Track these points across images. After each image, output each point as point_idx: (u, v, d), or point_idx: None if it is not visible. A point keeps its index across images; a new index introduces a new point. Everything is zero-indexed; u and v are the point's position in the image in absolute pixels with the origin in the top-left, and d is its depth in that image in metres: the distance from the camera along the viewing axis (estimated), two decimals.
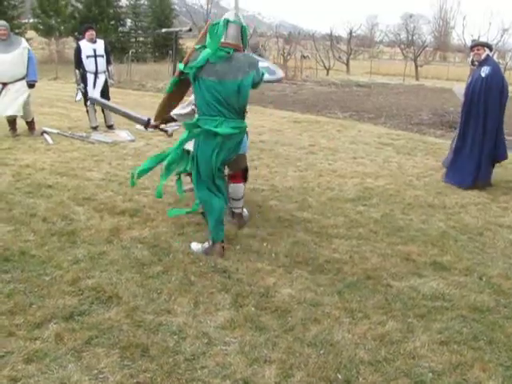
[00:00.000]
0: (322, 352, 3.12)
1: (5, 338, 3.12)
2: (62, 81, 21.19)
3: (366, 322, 3.47)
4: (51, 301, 3.57)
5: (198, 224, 5.20)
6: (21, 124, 9.39)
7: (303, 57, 34.01)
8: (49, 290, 3.72)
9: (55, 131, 9.52)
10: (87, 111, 10.07)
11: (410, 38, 45.20)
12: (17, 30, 30.03)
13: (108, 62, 10.07)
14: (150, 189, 6.24)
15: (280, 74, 5.40)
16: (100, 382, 2.79)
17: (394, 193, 6.56)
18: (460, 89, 7.32)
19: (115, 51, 27.76)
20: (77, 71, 9.95)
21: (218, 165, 4.43)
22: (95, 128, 9.96)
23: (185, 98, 5.28)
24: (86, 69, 9.79)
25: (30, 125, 9.42)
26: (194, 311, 3.54)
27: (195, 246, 4.61)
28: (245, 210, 5.40)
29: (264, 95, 19.08)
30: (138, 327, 3.30)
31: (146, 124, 5.49)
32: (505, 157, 7.01)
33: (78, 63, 9.86)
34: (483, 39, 32.57)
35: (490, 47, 7.16)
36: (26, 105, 9.11)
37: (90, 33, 9.92)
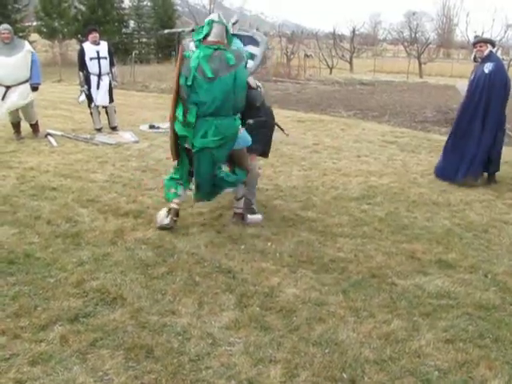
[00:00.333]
0: (327, 351, 3.11)
1: (10, 341, 3.12)
2: (66, 83, 21.20)
3: (371, 321, 3.46)
4: (56, 303, 3.57)
5: (202, 225, 5.21)
6: (25, 127, 9.42)
7: (306, 56, 34.00)
8: (53, 292, 3.73)
9: (59, 133, 9.54)
10: (91, 113, 10.08)
11: (413, 35, 45.05)
12: (20, 34, 30.13)
13: (111, 64, 10.08)
14: (154, 190, 6.25)
15: (264, 39, 5.37)
16: (105, 383, 2.79)
17: (399, 191, 6.55)
18: (463, 85, 7.30)
19: (119, 53, 27.85)
20: (80, 73, 9.98)
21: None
22: (99, 130, 9.98)
23: None
24: (90, 71, 9.81)
25: (34, 127, 9.44)
26: (198, 312, 3.53)
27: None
28: (249, 216, 5.32)
29: (267, 95, 19.08)
30: (143, 328, 3.30)
31: None
32: (497, 169, 6.98)
33: (82, 65, 9.89)
34: (487, 35, 32.44)
35: (492, 43, 7.13)
36: (29, 107, 9.13)
37: (94, 35, 9.94)
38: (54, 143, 8.81)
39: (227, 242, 4.79)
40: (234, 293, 3.81)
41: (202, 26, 4.66)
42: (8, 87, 8.83)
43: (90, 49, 9.87)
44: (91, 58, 9.81)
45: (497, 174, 7.05)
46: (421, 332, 3.36)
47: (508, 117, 7.22)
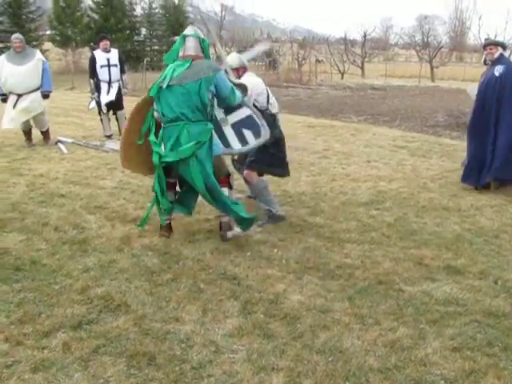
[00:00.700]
0: (330, 359, 3.07)
1: (13, 348, 3.12)
2: (78, 91, 21.33)
3: (376, 329, 3.41)
4: (60, 310, 3.57)
5: (208, 231, 5.19)
6: (36, 134, 9.49)
7: (318, 61, 33.99)
8: (58, 298, 3.73)
9: (70, 140, 9.60)
10: (101, 120, 10.12)
11: (425, 39, 44.86)
12: (34, 42, 30.50)
13: (122, 71, 10.14)
14: None
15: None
16: None
17: (408, 196, 6.49)
18: (474, 89, 7.21)
19: (130, 60, 28.04)
20: (91, 80, 10.05)
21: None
22: (109, 136, 10.02)
23: None
24: (100, 78, 9.87)
25: (45, 134, 9.51)
26: (202, 319, 3.51)
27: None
28: (236, 229, 5.08)
29: (278, 100, 19.05)
30: (146, 335, 3.29)
31: None
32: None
33: (92, 72, 9.96)
34: (500, 38, 32.16)
35: (503, 46, 7.05)
36: (40, 115, 9.20)
37: (104, 43, 10.02)
38: (65, 150, 8.86)
39: (233, 248, 4.77)
40: (239, 300, 3.78)
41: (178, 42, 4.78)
42: (19, 95, 8.92)
43: (100, 56, 9.94)
44: (102, 66, 9.87)
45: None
46: (427, 340, 3.31)
47: None
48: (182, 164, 4.67)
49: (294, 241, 4.97)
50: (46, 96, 9.14)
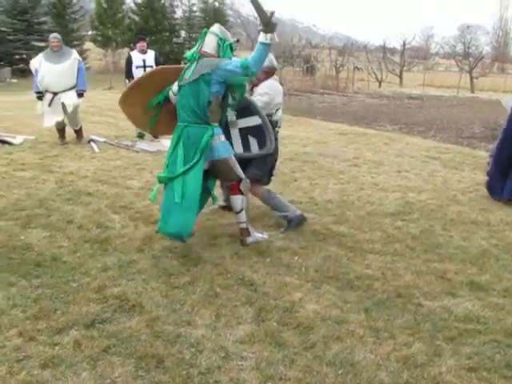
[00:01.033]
0: (340, 372, 3.01)
1: (26, 343, 3.16)
2: (116, 90, 21.60)
3: (390, 343, 3.33)
4: (75, 307, 3.60)
5: (230, 236, 5.17)
6: (69, 132, 9.65)
7: (356, 68, 33.76)
8: (74, 296, 3.76)
9: (102, 140, 9.73)
10: None
11: (466, 49, 44.13)
12: (76, 42, 31.14)
13: None
14: None
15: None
16: None
17: (436, 208, 6.36)
18: (509, 100, 7.05)
19: (169, 62, 28.30)
20: (126, 80, 10.16)
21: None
22: (141, 137, 10.11)
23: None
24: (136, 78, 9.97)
25: (78, 133, 9.67)
26: (214, 324, 3.49)
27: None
28: (256, 234, 5.01)
29: (313, 107, 19.03)
30: (157, 338, 3.28)
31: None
32: None
33: (128, 73, 10.09)
34: None
35: None
36: (74, 114, 9.35)
37: (141, 44, 10.15)
38: (96, 149, 8.98)
39: (253, 254, 4.74)
40: (254, 306, 3.75)
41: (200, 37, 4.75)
42: (55, 93, 9.10)
43: (136, 57, 10.07)
44: (137, 66, 9.99)
45: None
46: (442, 357, 3.21)
47: None
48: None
49: (315, 249, 4.92)
50: (80, 95, 9.30)
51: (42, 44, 27.89)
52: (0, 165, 7.67)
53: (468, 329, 3.56)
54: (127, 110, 5.29)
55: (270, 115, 5.26)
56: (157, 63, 10.18)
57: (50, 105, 9.14)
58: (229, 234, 5.22)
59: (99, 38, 34.49)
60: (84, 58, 31.94)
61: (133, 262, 4.44)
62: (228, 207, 5.64)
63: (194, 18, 39.26)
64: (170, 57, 32.43)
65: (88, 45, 33.89)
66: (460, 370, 3.09)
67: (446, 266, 4.62)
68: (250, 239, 4.93)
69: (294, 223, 5.36)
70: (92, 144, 9.30)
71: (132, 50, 12.73)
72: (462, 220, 5.95)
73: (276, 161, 5.68)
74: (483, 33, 65.21)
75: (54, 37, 9.22)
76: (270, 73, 5.38)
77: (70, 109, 9.11)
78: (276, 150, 5.45)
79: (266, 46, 4.39)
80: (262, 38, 4.40)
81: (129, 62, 10.18)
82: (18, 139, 9.46)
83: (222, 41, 4.65)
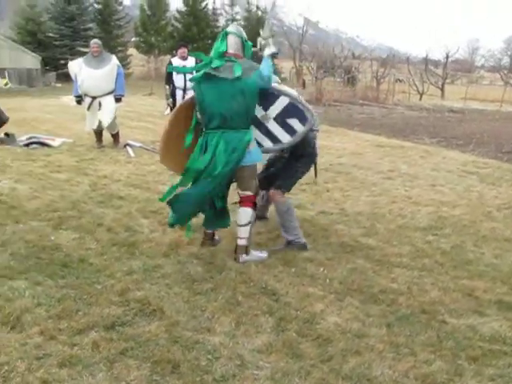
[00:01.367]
0: None
1: (46, 341, 3.21)
2: (157, 96, 21.97)
3: (410, 359, 3.26)
4: (97, 309, 3.64)
5: (257, 244, 5.16)
6: (107, 136, 9.83)
7: (398, 80, 33.44)
8: (97, 298, 3.80)
9: (138, 144, 9.87)
10: None
11: None
12: (119, 48, 31.81)
13: None
14: None
15: (313, 119, 4.90)
16: None
17: (469, 223, 6.22)
18: None
19: None
20: (167, 86, 10.28)
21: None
22: None
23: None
24: (176, 85, 10.08)
25: (115, 137, 9.84)
26: (233, 332, 3.48)
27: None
28: (254, 253, 4.82)
29: (352, 118, 18.93)
30: (175, 343, 3.29)
31: None
32: None
33: (168, 79, 10.19)
34: None
35: None
36: (112, 118, 9.52)
37: (182, 50, 10.25)
38: (132, 154, 9.12)
39: (279, 263, 4.72)
40: (274, 316, 3.73)
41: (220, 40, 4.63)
42: (94, 98, 9.29)
43: (177, 63, 10.18)
44: (178, 73, 10.10)
45: None
46: (464, 377, 3.12)
47: None
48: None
49: (341, 261, 4.87)
50: (118, 99, 9.48)
51: (86, 50, 28.49)
52: (37, 166, 7.87)
53: (493, 349, 3.46)
54: (173, 166, 5.14)
55: None
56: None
57: (88, 109, 9.34)
58: (256, 242, 5.21)
59: (142, 45, 35.14)
60: (127, 64, 32.69)
61: (158, 267, 4.47)
62: (260, 217, 5.62)
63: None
64: None
65: (131, 51, 34.57)
66: None
67: (474, 284, 4.51)
68: (245, 257, 4.73)
69: (292, 247, 5.08)
70: (128, 148, 9.44)
71: (173, 56, 12.92)
72: (495, 237, 5.81)
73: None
74: None
75: (95, 42, 9.44)
76: None
77: (107, 114, 9.28)
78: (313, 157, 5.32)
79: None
80: (272, 49, 4.63)
81: None
82: (56, 142, 9.70)
83: (245, 40, 4.61)
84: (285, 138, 4.83)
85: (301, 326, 3.60)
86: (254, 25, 38.53)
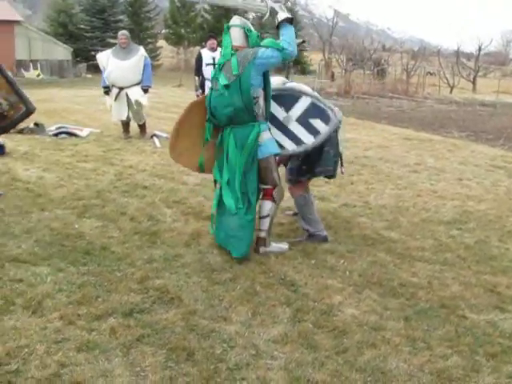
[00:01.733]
0: (369, 379, 2.95)
1: (65, 326, 3.27)
2: (186, 88, 22.07)
3: (426, 354, 3.23)
4: (116, 296, 3.69)
5: (278, 235, 5.17)
6: (134, 126, 9.92)
7: (429, 73, 32.97)
8: (117, 285, 3.86)
9: (165, 135, 9.91)
10: None
11: None
12: (149, 40, 32.03)
13: None
14: None
15: (338, 117, 4.84)
16: (139, 379, 2.84)
17: (495, 218, 6.12)
18: None
19: None
20: (196, 78, 10.30)
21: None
22: None
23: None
24: (205, 76, 10.08)
25: (142, 128, 9.92)
26: (249, 321, 3.50)
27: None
28: (274, 245, 4.79)
29: (380, 111, 18.76)
30: (191, 331, 3.32)
31: None
32: None
33: (198, 70, 10.20)
34: None
35: None
36: (138, 109, 9.60)
37: (212, 42, 10.23)
38: (158, 144, 9.19)
39: (299, 255, 4.72)
40: (291, 306, 3.73)
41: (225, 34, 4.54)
42: (121, 88, 9.38)
43: (207, 55, 10.18)
44: (207, 64, 10.09)
45: None
46: (481, 374, 3.08)
47: None
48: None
49: (362, 253, 4.84)
50: (145, 90, 9.54)
51: (116, 41, 28.89)
52: (65, 156, 8.00)
53: None
54: (184, 160, 5.01)
55: None
56: None
57: (115, 99, 9.43)
58: (277, 233, 5.22)
59: (172, 36, 35.30)
60: (156, 56, 32.92)
61: (178, 256, 4.51)
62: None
63: (267, 18, 39.49)
64: None
65: (161, 42, 34.76)
66: None
67: (497, 279, 4.44)
68: (265, 248, 4.72)
69: (313, 240, 5.05)
70: (154, 139, 9.52)
71: (203, 47, 12.96)
72: None
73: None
74: None
75: (123, 33, 9.53)
76: None
77: (134, 103, 9.37)
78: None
79: (291, 22, 4.42)
80: (282, 15, 4.41)
81: (198, 59, 10.29)
82: (84, 132, 9.84)
83: (248, 31, 4.48)
84: (308, 140, 4.76)
85: (317, 318, 3.60)
86: None
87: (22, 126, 8.39)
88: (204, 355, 3.07)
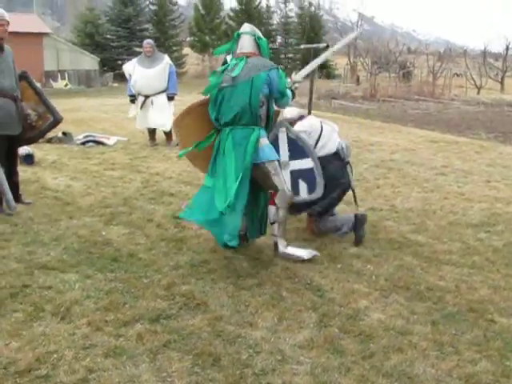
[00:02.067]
0: None
1: (93, 332, 3.32)
2: None
3: (454, 358, 3.19)
4: (143, 302, 3.73)
5: (304, 240, 5.17)
6: (160, 134, 10.01)
7: (456, 75, 32.60)
8: (144, 291, 3.90)
9: None
10: None
11: None
12: (174, 48, 32.33)
13: None
14: None
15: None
16: None
17: None
18: None
19: None
20: None
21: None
22: None
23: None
24: None
25: (168, 135, 9.99)
26: (275, 327, 3.50)
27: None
28: (291, 248, 4.73)
29: (406, 113, 18.61)
30: (217, 336, 3.34)
31: None
32: None
33: None
34: None
35: None
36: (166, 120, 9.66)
37: None
38: None
39: (325, 259, 4.71)
40: (317, 311, 3.73)
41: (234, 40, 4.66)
42: (147, 96, 9.49)
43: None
44: None
45: None
46: (511, 379, 3.04)
47: None
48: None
49: (389, 257, 4.81)
50: (171, 98, 9.64)
51: (142, 50, 29.29)
52: (92, 164, 8.12)
53: None
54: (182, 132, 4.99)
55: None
56: None
57: (141, 107, 9.55)
58: (303, 238, 5.22)
59: (197, 44, 35.59)
60: (182, 63, 33.21)
61: (204, 262, 4.53)
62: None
63: (291, 23, 39.57)
64: None
65: (186, 50, 35.05)
66: None
67: None
68: (282, 252, 4.70)
69: (355, 226, 5.15)
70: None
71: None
72: None
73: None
74: None
75: (148, 42, 9.66)
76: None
77: (158, 116, 9.46)
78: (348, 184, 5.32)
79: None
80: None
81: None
82: (111, 140, 9.96)
83: (259, 39, 4.60)
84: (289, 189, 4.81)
85: (344, 322, 3.58)
86: (307, 21, 38.44)
87: (50, 135, 8.54)
88: (230, 361, 3.08)
